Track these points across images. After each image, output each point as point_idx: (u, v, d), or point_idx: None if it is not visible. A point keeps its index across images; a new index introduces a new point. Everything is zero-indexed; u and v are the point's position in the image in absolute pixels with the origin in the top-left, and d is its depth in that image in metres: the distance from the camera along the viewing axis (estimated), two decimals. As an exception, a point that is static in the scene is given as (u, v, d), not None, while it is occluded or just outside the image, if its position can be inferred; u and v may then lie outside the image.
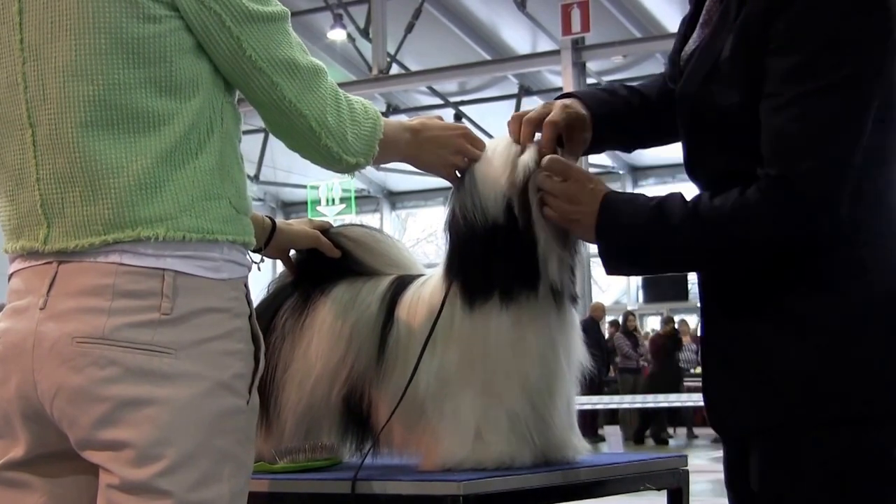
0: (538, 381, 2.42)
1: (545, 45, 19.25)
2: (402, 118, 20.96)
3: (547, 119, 2.41)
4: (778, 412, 2.09)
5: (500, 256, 2.38)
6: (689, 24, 2.35)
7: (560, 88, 17.18)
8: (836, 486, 2.07)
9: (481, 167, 2.43)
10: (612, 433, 14.21)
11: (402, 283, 2.58)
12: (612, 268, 2.24)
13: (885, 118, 2.10)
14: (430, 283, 2.52)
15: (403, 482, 2.35)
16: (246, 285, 2.08)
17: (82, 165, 1.97)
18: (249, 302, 2.08)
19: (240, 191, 2.08)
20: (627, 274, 2.39)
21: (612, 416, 17.64)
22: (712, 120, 2.17)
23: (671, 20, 18.91)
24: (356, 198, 23.25)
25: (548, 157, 2.33)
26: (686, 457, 2.71)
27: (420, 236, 25.30)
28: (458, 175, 2.46)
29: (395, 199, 27.34)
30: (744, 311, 2.15)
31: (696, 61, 2.23)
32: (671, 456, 2.71)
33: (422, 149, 2.37)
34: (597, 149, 2.53)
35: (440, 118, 2.48)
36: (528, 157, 2.37)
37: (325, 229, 2.69)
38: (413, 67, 20.73)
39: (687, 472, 2.71)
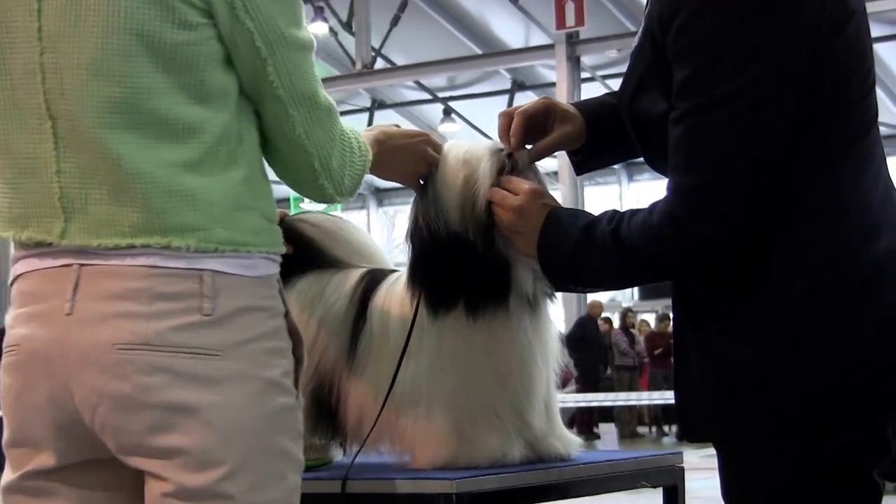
0: (515, 382, 2.40)
1: (538, 38, 19.18)
2: (390, 112, 20.81)
3: (519, 110, 2.39)
4: (731, 423, 2.05)
5: (464, 268, 2.37)
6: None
7: (554, 83, 17.14)
8: (789, 498, 2.03)
9: (441, 175, 2.42)
10: (607, 430, 14.26)
11: (374, 278, 2.56)
12: (553, 283, 2.27)
13: (828, 117, 2.01)
14: (403, 281, 2.49)
15: (395, 481, 2.33)
16: (279, 280, 2.05)
17: (107, 165, 1.92)
18: (284, 298, 2.05)
19: (270, 201, 2.05)
20: (569, 290, 2.37)
21: (608, 414, 17.58)
22: (649, 126, 2.13)
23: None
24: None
25: (504, 177, 2.34)
26: (682, 454, 2.68)
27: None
28: (422, 183, 2.44)
29: (382, 195, 27.33)
30: (702, 319, 2.09)
31: (629, 68, 2.19)
32: (667, 453, 2.68)
33: (384, 160, 2.32)
34: (594, 156, 2.48)
35: (397, 125, 2.47)
36: (485, 167, 2.36)
37: (281, 218, 2.64)
38: (399, 62, 20.61)
39: (682, 469, 2.68)
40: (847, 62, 2.03)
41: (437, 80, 21.64)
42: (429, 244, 2.39)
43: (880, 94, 20.59)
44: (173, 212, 1.92)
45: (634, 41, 2.19)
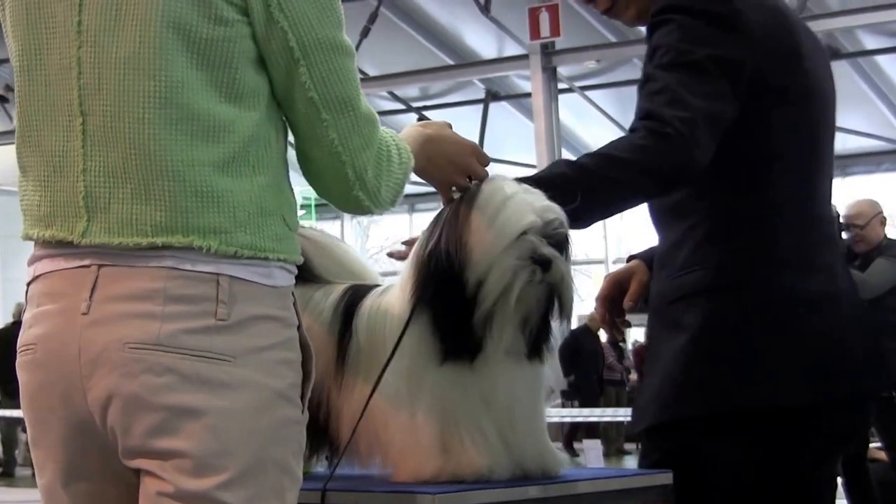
0: (500, 402, 2.35)
1: (512, 49, 19.17)
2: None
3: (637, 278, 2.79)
4: (667, 414, 2.53)
5: (464, 311, 2.30)
6: None
7: (529, 94, 17.09)
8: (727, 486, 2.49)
9: (482, 207, 2.32)
10: (592, 447, 14.15)
11: (358, 292, 2.50)
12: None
13: (764, 152, 2.52)
14: (390, 294, 2.44)
15: (375, 493, 2.29)
16: (293, 293, 2.01)
17: (137, 162, 1.89)
18: (297, 310, 2.01)
19: (294, 209, 2.02)
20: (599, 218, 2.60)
21: (594, 430, 17.25)
22: None
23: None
24: (316, 205, 23.13)
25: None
26: (671, 472, 2.61)
27: (383, 244, 25.29)
28: (456, 195, 2.37)
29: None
30: (660, 325, 2.49)
31: None
32: (655, 471, 2.62)
33: (430, 161, 2.27)
34: None
35: (450, 124, 2.38)
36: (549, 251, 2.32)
37: None
38: (371, 73, 20.57)
39: (672, 488, 2.60)
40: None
41: (410, 90, 21.62)
42: (445, 269, 2.31)
43: (881, 107, 20.70)
44: (197, 212, 1.89)
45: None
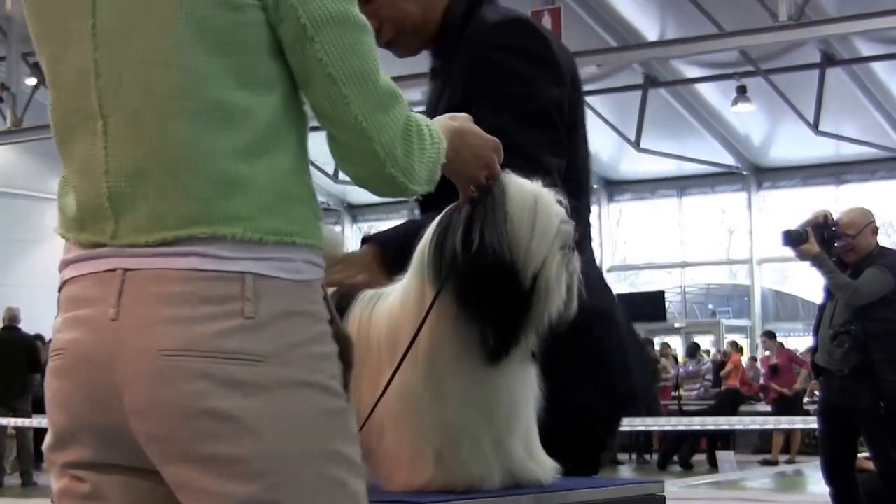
0: (500, 414, 2.35)
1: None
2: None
3: None
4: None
5: (515, 306, 2.29)
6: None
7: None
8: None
9: (522, 210, 2.31)
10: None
11: (345, 293, 2.49)
12: None
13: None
14: (387, 297, 2.42)
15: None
16: (323, 286, 1.99)
17: (159, 158, 1.88)
18: (329, 303, 1.98)
19: (314, 194, 1.99)
20: None
21: None
22: None
23: (648, 28, 18.90)
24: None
25: None
26: (663, 482, 2.62)
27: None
28: (475, 192, 2.32)
29: (357, 212, 27.32)
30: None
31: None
32: (647, 481, 2.62)
33: (457, 155, 2.20)
34: None
35: (470, 118, 2.33)
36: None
37: None
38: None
39: (664, 499, 2.60)
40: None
41: (412, 94, 21.60)
42: (496, 267, 2.27)
43: (876, 114, 20.70)
44: (219, 200, 1.87)
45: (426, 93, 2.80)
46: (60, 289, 1.99)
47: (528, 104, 2.71)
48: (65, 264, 1.99)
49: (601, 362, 2.79)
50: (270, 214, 1.89)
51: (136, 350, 1.86)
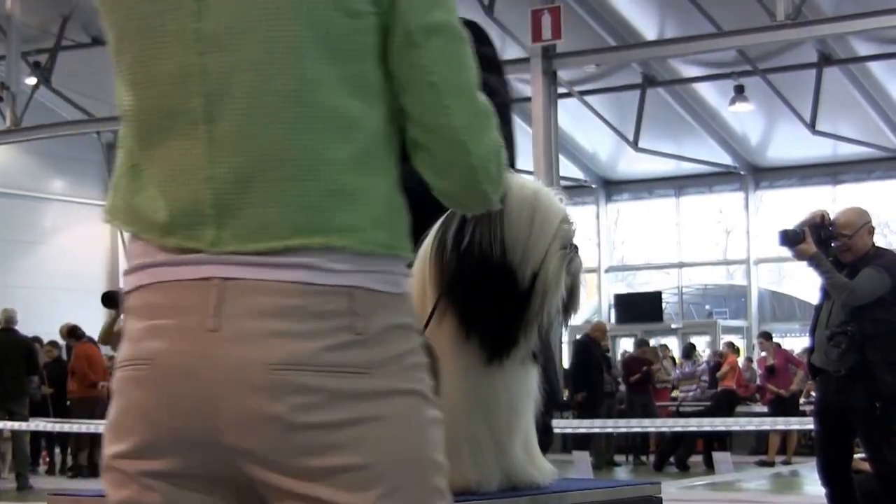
0: (500, 417, 2.36)
1: (514, 52, 19.17)
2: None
3: None
4: None
5: (509, 305, 2.30)
6: None
7: (529, 98, 17.09)
8: None
9: (520, 209, 2.32)
10: (581, 458, 14.12)
11: None
12: None
13: None
14: None
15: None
16: (412, 297, 1.98)
17: (271, 164, 1.83)
18: (415, 315, 1.98)
19: (407, 204, 1.95)
20: None
21: (583, 441, 16.96)
22: None
23: (647, 27, 18.91)
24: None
25: None
26: (660, 484, 2.62)
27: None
28: None
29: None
30: None
31: None
32: (644, 482, 2.63)
33: None
34: None
35: None
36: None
37: None
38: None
39: (660, 500, 2.61)
40: None
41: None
42: (492, 267, 2.29)
43: (873, 114, 20.70)
44: (333, 210, 1.83)
45: None
46: (130, 293, 1.92)
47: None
48: (139, 268, 1.91)
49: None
50: (381, 227, 1.86)
51: (242, 362, 1.81)
